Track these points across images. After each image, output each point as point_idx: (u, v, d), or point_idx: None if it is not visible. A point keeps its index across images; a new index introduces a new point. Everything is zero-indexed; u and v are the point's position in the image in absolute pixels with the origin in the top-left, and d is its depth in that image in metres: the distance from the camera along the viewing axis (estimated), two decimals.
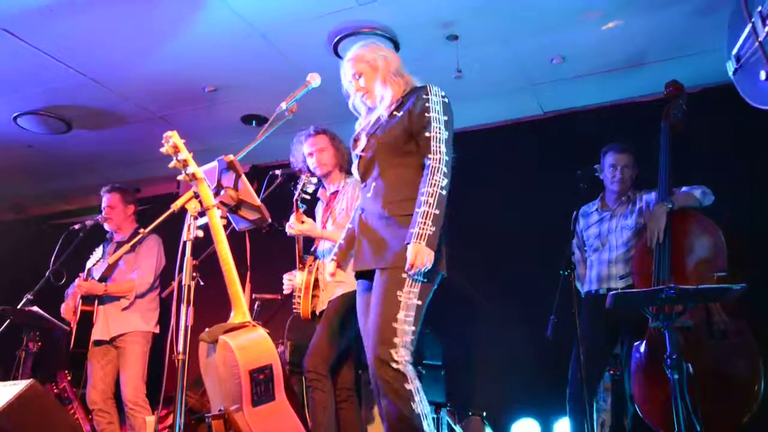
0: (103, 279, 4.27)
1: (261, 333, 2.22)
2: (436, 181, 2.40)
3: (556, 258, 3.57)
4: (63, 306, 4.33)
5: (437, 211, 2.35)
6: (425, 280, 2.40)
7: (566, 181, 3.69)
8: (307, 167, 3.58)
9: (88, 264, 4.34)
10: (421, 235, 2.31)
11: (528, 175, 4.85)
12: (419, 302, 2.39)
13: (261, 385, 2.12)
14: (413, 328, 2.37)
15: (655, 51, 4.24)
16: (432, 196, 2.36)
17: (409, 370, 2.34)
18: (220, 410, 2.22)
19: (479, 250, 4.85)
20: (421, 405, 2.34)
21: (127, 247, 2.58)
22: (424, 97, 2.53)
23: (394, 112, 2.58)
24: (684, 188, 3.50)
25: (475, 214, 4.93)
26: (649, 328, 3.26)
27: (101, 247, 4.46)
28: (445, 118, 2.52)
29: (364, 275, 2.60)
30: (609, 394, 3.82)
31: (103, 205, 4.45)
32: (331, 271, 2.80)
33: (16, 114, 4.91)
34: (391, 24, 3.92)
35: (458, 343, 4.80)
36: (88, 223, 4.38)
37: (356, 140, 2.75)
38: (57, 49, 4.09)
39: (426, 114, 2.49)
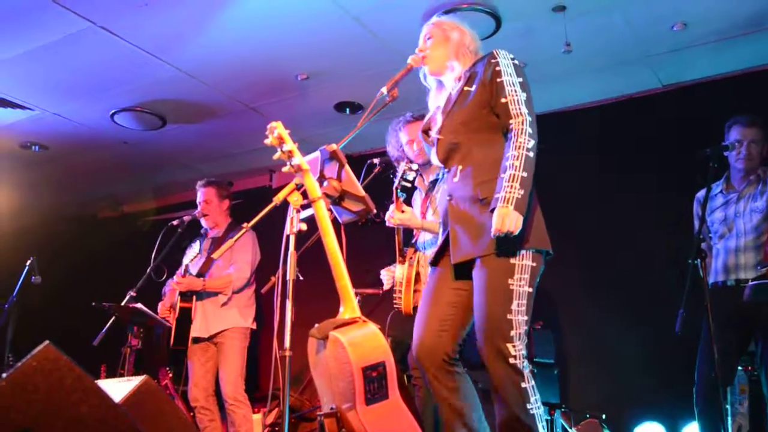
0: (201, 275, 4.45)
1: (372, 329, 2.25)
2: (521, 143, 2.34)
3: (681, 245, 3.44)
4: (160, 305, 4.55)
5: (525, 174, 2.30)
6: (533, 261, 2.36)
7: (691, 160, 3.54)
8: (405, 155, 3.59)
9: (185, 260, 4.54)
10: (508, 198, 2.25)
11: (647, 153, 4.71)
12: (530, 289, 2.35)
13: (374, 382, 2.16)
14: (526, 317, 2.34)
15: None
16: (518, 159, 2.31)
17: (525, 367, 2.31)
18: (332, 408, 2.28)
19: (597, 235, 4.77)
20: (536, 406, 2.30)
21: (231, 242, 2.67)
22: (493, 61, 2.49)
23: (466, 88, 2.55)
24: None
25: (593, 196, 4.86)
26: None
27: (198, 242, 4.65)
28: (520, 79, 2.47)
29: (439, 261, 2.57)
30: (746, 396, 3.65)
31: (199, 199, 4.63)
32: None
33: (113, 111, 5.21)
34: None
35: (572, 340, 4.74)
36: (186, 218, 4.54)
37: (430, 122, 2.73)
38: (152, 44, 4.29)
39: (498, 79, 2.45)
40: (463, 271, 2.49)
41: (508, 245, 2.32)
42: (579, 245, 4.73)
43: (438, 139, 2.60)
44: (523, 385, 2.29)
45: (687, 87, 4.82)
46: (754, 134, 3.56)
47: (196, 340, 4.38)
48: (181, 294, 4.41)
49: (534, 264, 2.37)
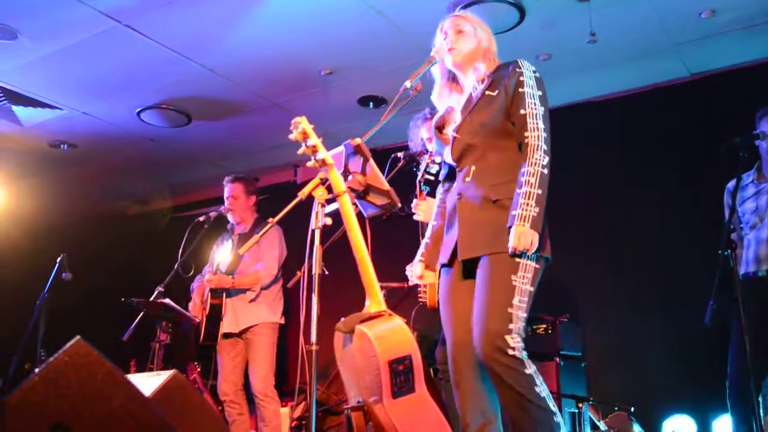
0: (229, 272, 4.48)
1: (398, 322, 2.25)
2: (536, 159, 2.40)
3: (712, 236, 3.39)
4: (190, 304, 4.57)
5: (539, 191, 2.37)
6: (536, 263, 2.40)
7: (720, 149, 3.48)
8: (427, 150, 3.58)
9: (217, 258, 4.56)
10: (525, 216, 2.33)
11: (674, 144, 4.64)
12: (531, 288, 2.40)
13: (401, 376, 2.16)
14: (525, 315, 2.37)
15: None
16: (533, 176, 2.38)
17: (525, 355, 2.33)
18: (358, 402, 2.28)
19: (624, 225, 4.73)
20: (543, 387, 2.33)
21: (257, 237, 2.68)
22: (518, 71, 2.53)
23: (488, 92, 2.57)
24: None
25: (619, 188, 4.80)
26: None
27: (230, 240, 4.67)
28: (540, 93, 2.52)
29: (452, 262, 2.60)
30: None
31: (226, 194, 4.64)
32: (418, 274, 2.82)
33: (139, 109, 5.27)
34: None
35: (599, 332, 4.69)
36: (212, 214, 4.57)
37: (444, 119, 2.74)
38: (176, 41, 4.33)
39: (520, 89, 2.50)
40: (470, 269, 2.52)
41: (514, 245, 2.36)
42: (605, 239, 4.69)
43: (454, 138, 2.62)
44: (527, 371, 2.31)
45: (716, 75, 4.74)
46: None
47: (226, 335, 4.41)
48: (212, 290, 4.44)
49: (537, 265, 2.42)
